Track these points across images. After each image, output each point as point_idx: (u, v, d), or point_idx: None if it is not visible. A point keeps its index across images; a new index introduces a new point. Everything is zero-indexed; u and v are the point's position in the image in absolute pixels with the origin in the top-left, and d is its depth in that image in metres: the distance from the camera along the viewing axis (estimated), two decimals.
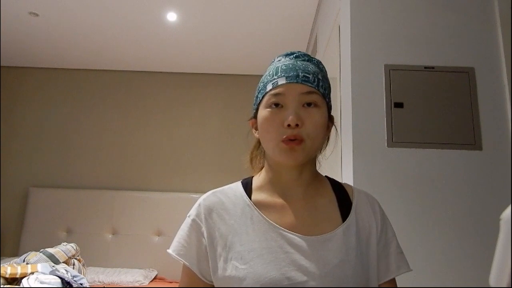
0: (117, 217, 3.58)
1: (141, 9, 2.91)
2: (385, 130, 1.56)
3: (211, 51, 3.55)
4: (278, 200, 0.76)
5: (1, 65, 3.93)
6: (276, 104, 0.73)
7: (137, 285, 2.97)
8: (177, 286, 0.78)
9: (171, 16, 3.00)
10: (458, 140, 1.55)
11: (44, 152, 3.81)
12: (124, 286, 2.93)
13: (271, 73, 0.77)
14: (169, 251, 0.76)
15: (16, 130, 3.86)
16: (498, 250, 0.81)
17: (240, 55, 3.59)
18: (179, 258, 0.75)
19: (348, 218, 0.76)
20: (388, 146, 1.55)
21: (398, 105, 1.58)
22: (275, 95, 0.74)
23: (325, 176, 0.85)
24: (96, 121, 3.89)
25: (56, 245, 2.32)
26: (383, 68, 1.62)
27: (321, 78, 0.77)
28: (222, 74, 3.99)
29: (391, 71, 1.61)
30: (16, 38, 3.41)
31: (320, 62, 0.82)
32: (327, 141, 0.83)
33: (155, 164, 3.81)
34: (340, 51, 1.88)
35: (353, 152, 1.55)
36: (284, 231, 0.72)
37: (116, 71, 4.00)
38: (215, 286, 0.73)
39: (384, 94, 1.59)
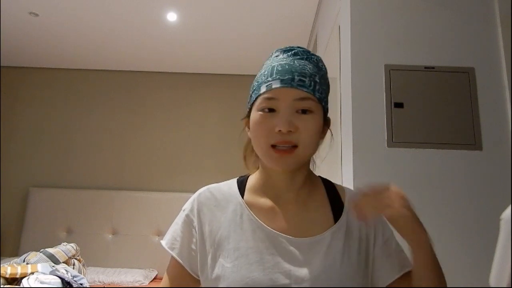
0: (117, 217, 3.58)
1: (141, 9, 2.91)
2: (385, 130, 1.56)
3: (211, 51, 3.55)
4: (269, 203, 0.76)
5: (1, 65, 3.93)
6: (269, 108, 0.72)
7: (137, 285, 2.96)
8: (164, 276, 0.79)
9: (171, 16, 3.00)
10: (458, 140, 1.55)
11: (44, 152, 3.81)
12: (124, 286, 2.93)
13: (266, 73, 0.74)
14: (163, 242, 0.79)
15: (16, 130, 3.86)
16: (498, 250, 0.81)
17: (240, 55, 3.59)
18: (171, 252, 0.77)
19: (338, 221, 0.75)
20: (388, 146, 1.55)
21: (398, 105, 1.58)
22: (268, 99, 0.71)
23: (319, 176, 0.84)
24: (96, 121, 3.89)
25: (56, 245, 2.32)
26: (383, 68, 1.62)
27: (318, 80, 0.74)
28: (222, 74, 3.99)
29: (391, 71, 1.61)
30: (16, 38, 3.41)
31: (320, 59, 0.79)
32: (322, 142, 0.81)
33: (155, 164, 3.81)
34: (340, 51, 1.88)
35: (353, 152, 1.55)
36: (273, 231, 0.72)
37: (116, 71, 4.00)
38: (202, 283, 0.74)
39: (384, 94, 1.59)
